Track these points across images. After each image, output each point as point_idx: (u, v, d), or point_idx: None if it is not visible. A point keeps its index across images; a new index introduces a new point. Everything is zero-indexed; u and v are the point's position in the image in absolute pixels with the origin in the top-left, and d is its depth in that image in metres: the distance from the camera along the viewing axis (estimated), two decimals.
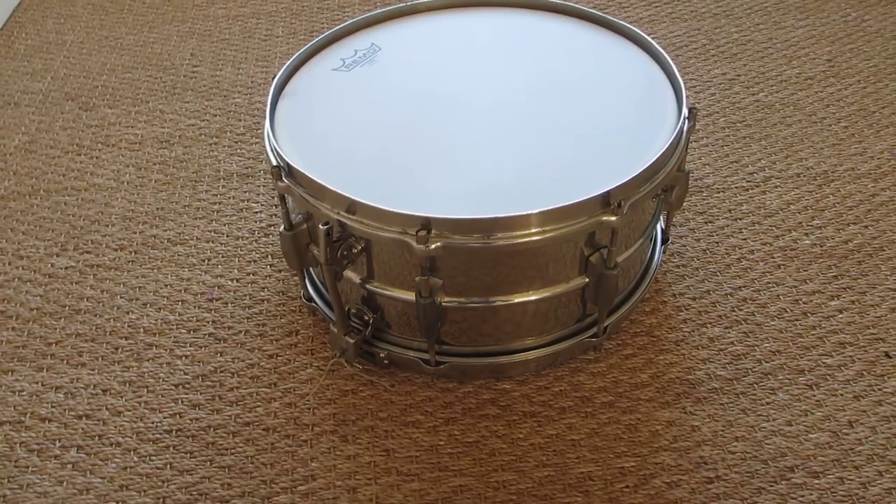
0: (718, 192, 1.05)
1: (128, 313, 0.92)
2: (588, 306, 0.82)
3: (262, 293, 0.94)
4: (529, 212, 0.68)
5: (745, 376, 0.83)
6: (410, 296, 0.75)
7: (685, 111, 0.79)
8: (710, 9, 1.42)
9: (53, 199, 1.08)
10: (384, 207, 0.69)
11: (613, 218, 0.70)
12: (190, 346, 0.89)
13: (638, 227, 0.80)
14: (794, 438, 0.77)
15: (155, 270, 0.97)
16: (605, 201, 0.70)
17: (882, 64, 1.26)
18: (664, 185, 0.77)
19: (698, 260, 0.96)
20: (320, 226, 0.71)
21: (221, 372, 0.86)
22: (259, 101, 1.24)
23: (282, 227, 0.80)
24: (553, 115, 0.82)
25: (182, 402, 0.83)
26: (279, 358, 0.87)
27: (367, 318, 0.81)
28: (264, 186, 1.09)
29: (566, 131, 0.80)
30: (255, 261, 0.98)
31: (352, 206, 0.71)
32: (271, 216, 1.04)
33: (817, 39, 1.33)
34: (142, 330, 0.90)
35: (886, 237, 0.97)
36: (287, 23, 1.42)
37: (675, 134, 0.76)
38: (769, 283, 0.93)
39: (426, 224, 0.68)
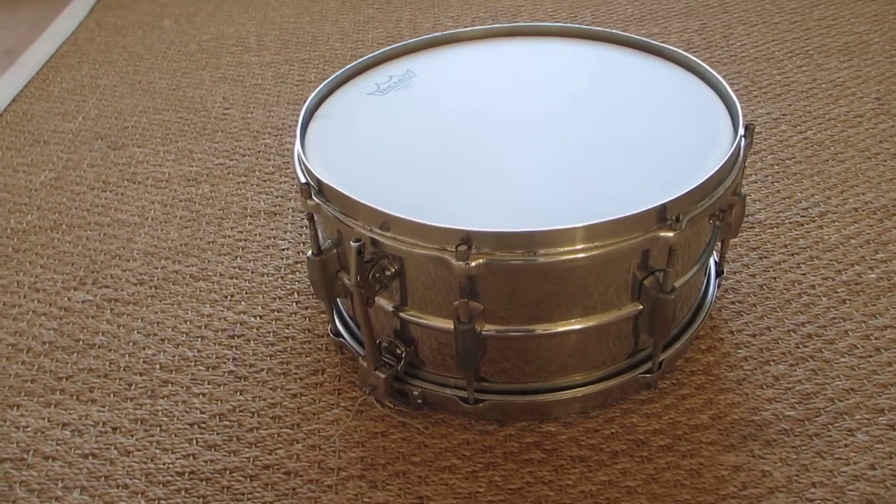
0: (772, 228, 0.99)
1: (144, 349, 0.87)
2: (641, 339, 0.75)
3: (287, 330, 0.88)
4: (576, 225, 0.62)
5: (817, 416, 0.75)
6: (448, 324, 0.69)
7: (742, 128, 0.74)
8: (750, 53, 1.38)
9: (75, 233, 1.05)
10: (421, 221, 0.63)
11: (671, 234, 0.64)
12: (208, 383, 0.82)
13: (694, 251, 0.74)
14: (880, 484, 0.68)
15: (175, 306, 0.92)
16: (661, 215, 0.64)
17: None
18: (721, 205, 0.71)
19: (755, 296, 0.89)
20: (351, 242, 0.66)
21: (241, 411, 0.79)
22: (289, 141, 1.21)
23: (310, 252, 0.75)
24: (599, 133, 0.77)
25: (197, 442, 0.76)
26: (303, 397, 0.80)
27: (399, 351, 0.75)
28: (292, 224, 1.04)
29: (614, 148, 0.75)
30: (280, 297, 0.93)
31: (386, 223, 0.66)
32: (298, 253, 0.99)
33: (864, 79, 1.28)
34: (158, 366, 0.85)
35: None
36: (319, 69, 1.41)
37: (732, 149, 0.70)
38: (835, 318, 0.85)
39: (466, 239, 0.62)
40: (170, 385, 0.82)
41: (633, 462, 0.72)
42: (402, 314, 0.72)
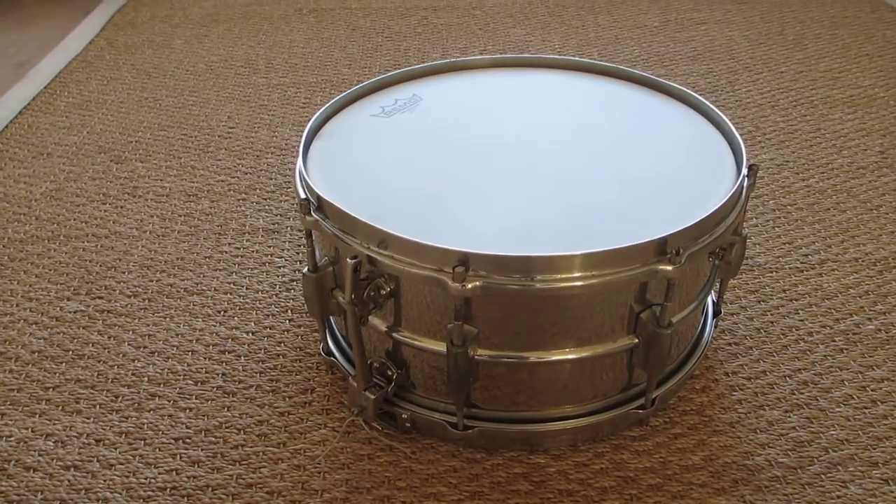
0: (771, 272, 0.98)
1: (133, 361, 0.86)
2: (635, 374, 0.74)
3: (279, 348, 0.87)
4: (574, 252, 0.62)
5: (810, 465, 0.74)
6: (441, 346, 0.68)
7: (745, 167, 0.74)
8: (755, 99, 1.39)
9: (72, 244, 1.04)
10: (419, 241, 0.63)
11: (670, 268, 0.64)
12: (196, 398, 0.81)
13: (692, 288, 0.73)
14: None
15: (167, 319, 0.92)
16: (661, 249, 0.64)
17: None
18: (722, 242, 0.70)
19: (751, 339, 0.88)
20: (348, 259, 0.65)
21: (227, 427, 0.78)
22: (292, 161, 1.22)
23: (305, 268, 0.74)
24: (600, 163, 0.77)
25: (181, 457, 0.75)
26: (291, 416, 0.79)
27: (390, 373, 0.74)
28: (290, 242, 1.04)
29: (615, 179, 0.75)
30: (273, 314, 0.92)
31: (384, 241, 0.65)
32: (294, 271, 0.99)
33: (867, 132, 1.29)
34: (146, 379, 0.84)
35: None
36: (325, 93, 1.42)
37: (735, 187, 0.71)
38: (831, 367, 0.84)
39: (464, 260, 0.62)
40: (157, 398, 0.81)
41: (621, 499, 0.71)
42: (395, 334, 0.71)
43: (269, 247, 1.03)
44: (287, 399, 0.81)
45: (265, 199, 1.13)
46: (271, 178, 1.18)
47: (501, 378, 0.71)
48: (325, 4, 1.83)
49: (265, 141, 1.28)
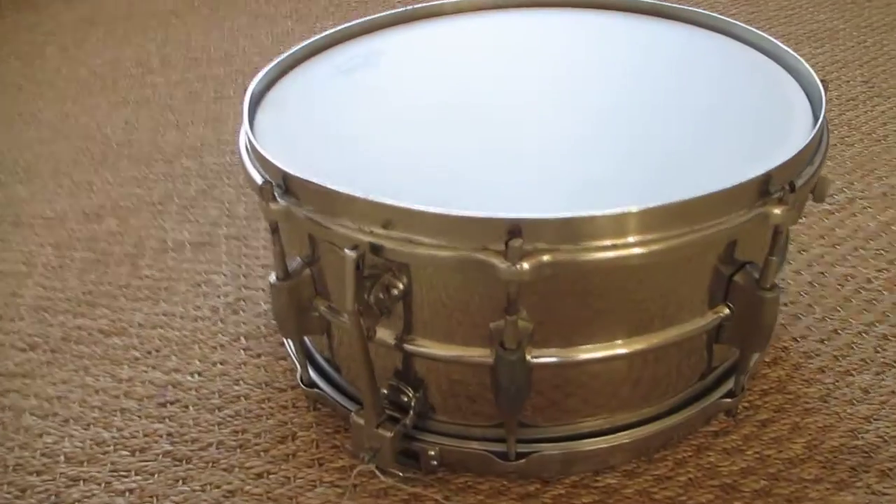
0: (801, 218, 0.85)
1: (41, 435, 0.64)
2: (714, 358, 0.58)
3: (237, 387, 0.67)
4: (668, 202, 0.45)
5: None
6: (478, 353, 0.50)
7: (820, 86, 0.59)
8: None
9: None
10: (446, 212, 0.45)
11: (779, 210, 0.48)
12: (136, 474, 0.60)
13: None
14: None
15: (81, 372, 0.69)
16: (764, 188, 0.48)
17: None
18: (818, 179, 0.55)
19: (807, 295, 0.75)
20: (347, 250, 0.46)
21: None
22: (213, 161, 1.00)
23: (272, 276, 0.55)
24: (645, 104, 0.61)
25: None
26: (272, 477, 0.59)
27: (406, 399, 0.55)
28: (227, 255, 0.83)
29: (667, 119, 0.59)
30: (222, 346, 0.71)
31: (390, 221, 0.47)
32: (240, 288, 0.78)
33: (843, 64, 1.19)
34: (62, 458, 0.61)
35: None
36: (238, 84, 1.21)
37: (824, 110, 0.55)
38: None
39: (516, 230, 0.44)
40: (81, 483, 0.59)
41: None
42: (408, 345, 0.53)
43: (202, 263, 0.82)
44: (262, 455, 0.61)
45: (187, 209, 0.91)
46: (190, 184, 0.96)
47: (553, 384, 0.53)
48: None
49: (175, 143, 1.06)
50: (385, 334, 0.53)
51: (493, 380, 0.51)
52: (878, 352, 0.68)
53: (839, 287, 0.75)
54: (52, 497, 0.58)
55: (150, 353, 0.71)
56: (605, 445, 0.56)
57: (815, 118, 0.56)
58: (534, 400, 0.53)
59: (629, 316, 0.51)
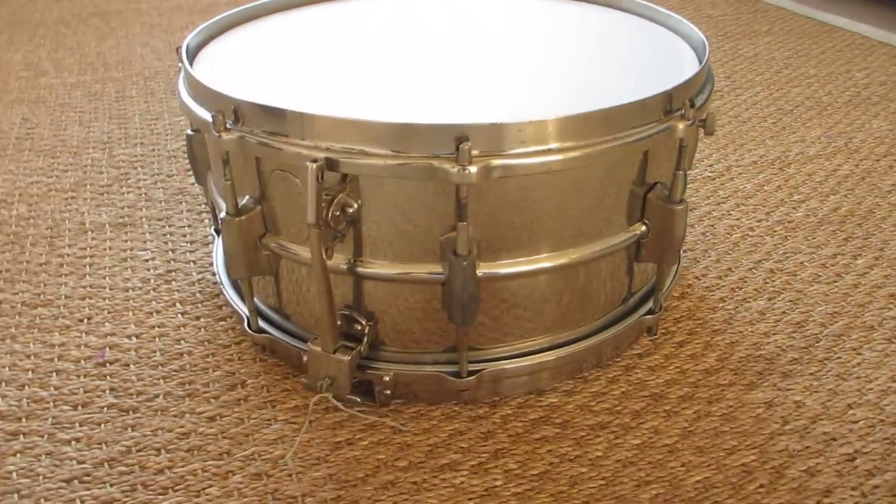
0: (690, 184, 0.95)
1: None
2: (634, 281, 0.64)
3: (179, 345, 0.67)
4: (599, 107, 0.51)
5: (817, 342, 0.69)
6: (429, 270, 0.54)
7: (705, 42, 0.67)
8: None
9: None
10: (398, 121, 0.49)
11: (681, 125, 0.55)
12: (81, 425, 0.58)
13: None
14: None
15: (8, 340, 0.67)
16: (667, 105, 0.55)
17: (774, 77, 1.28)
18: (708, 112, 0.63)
19: (703, 243, 0.83)
20: (308, 163, 0.49)
21: (139, 451, 0.56)
22: (124, 153, 0.99)
23: (222, 213, 0.56)
24: (567, 59, 0.68)
25: (82, 501, 0.52)
26: (225, 419, 0.59)
27: (359, 326, 0.58)
28: (151, 233, 0.82)
29: (585, 66, 0.66)
30: (158, 311, 0.71)
31: (345, 132, 0.50)
32: (169, 262, 0.78)
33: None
34: None
35: (870, 202, 0.90)
36: (140, 85, 1.20)
37: (707, 53, 0.64)
38: (786, 253, 0.81)
39: (462, 136, 0.48)
40: (21, 437, 0.57)
41: (659, 419, 0.60)
42: (360, 269, 0.55)
43: (125, 241, 0.81)
44: (213, 400, 0.61)
45: (102, 195, 0.90)
46: (102, 173, 0.94)
47: (495, 300, 0.57)
48: (109, 7, 1.59)
49: (80, 137, 1.03)
50: (339, 259, 0.56)
51: (445, 292, 0.54)
52: (767, 283, 0.77)
53: (728, 235, 0.85)
54: None
55: (81, 321, 0.70)
56: (546, 359, 0.61)
57: (701, 60, 0.65)
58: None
59: (554, 231, 0.56)
